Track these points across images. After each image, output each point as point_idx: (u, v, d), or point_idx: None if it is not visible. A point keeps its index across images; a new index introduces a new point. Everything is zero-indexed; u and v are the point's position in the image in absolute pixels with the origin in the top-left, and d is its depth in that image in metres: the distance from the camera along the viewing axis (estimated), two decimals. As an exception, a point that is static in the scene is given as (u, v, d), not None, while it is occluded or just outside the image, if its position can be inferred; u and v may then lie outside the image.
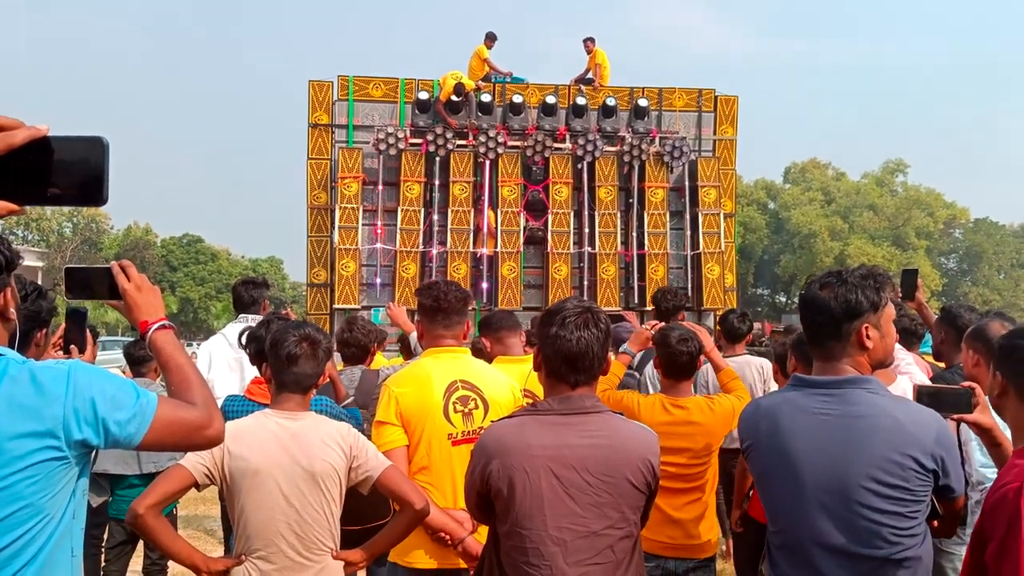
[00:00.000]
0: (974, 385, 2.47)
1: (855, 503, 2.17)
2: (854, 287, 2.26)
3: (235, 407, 3.60)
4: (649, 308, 11.90)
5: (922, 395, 2.46)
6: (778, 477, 2.31)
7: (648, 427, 2.51)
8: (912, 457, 2.16)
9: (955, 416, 2.42)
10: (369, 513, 3.47)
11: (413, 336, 4.66)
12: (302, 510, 2.60)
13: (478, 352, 3.99)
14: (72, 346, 2.83)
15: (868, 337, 2.26)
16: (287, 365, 2.72)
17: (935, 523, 2.32)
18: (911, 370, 3.92)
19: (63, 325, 2.92)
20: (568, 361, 2.30)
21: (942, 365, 4.25)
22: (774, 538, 2.38)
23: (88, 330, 2.95)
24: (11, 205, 1.04)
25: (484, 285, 11.96)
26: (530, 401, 3.67)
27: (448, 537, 3.01)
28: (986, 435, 2.47)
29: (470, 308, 3.58)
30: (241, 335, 3.60)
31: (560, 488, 2.25)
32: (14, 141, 1.00)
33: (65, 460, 1.66)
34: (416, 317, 3.44)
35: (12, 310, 1.78)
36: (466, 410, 3.16)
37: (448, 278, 11.54)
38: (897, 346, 3.83)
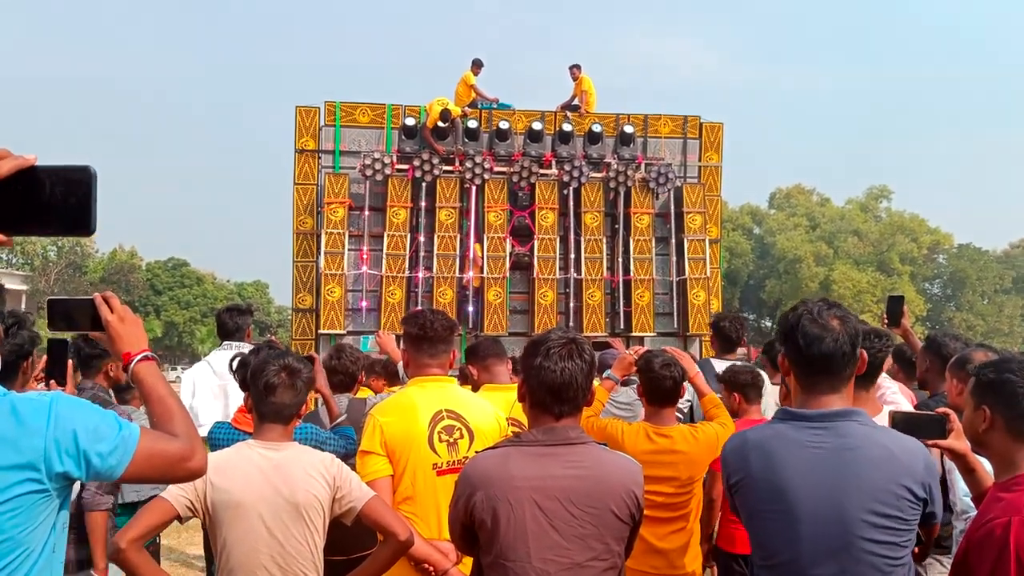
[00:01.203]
0: (948, 411, 2.49)
1: (854, 536, 2.16)
2: (851, 316, 2.32)
3: (222, 435, 3.58)
4: (653, 332, 11.99)
5: (897, 422, 2.47)
6: (772, 512, 2.28)
7: (632, 457, 2.51)
8: (906, 487, 2.17)
9: (929, 442, 2.44)
10: (353, 543, 3.44)
11: (402, 364, 4.65)
12: (285, 542, 2.57)
13: (465, 380, 3.97)
14: (53, 380, 2.81)
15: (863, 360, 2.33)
16: (265, 395, 2.71)
17: (916, 549, 2.33)
18: (896, 399, 3.93)
19: (45, 357, 2.89)
20: (552, 392, 2.31)
21: (927, 393, 4.27)
22: (764, 572, 2.34)
23: (71, 360, 2.93)
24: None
25: (470, 310, 11.95)
26: (516, 430, 3.66)
27: (432, 568, 2.99)
28: (960, 460, 2.48)
29: (456, 335, 3.57)
30: (232, 361, 3.60)
31: (544, 520, 2.25)
32: (0, 172, 0.99)
33: (46, 493, 1.64)
34: (401, 345, 3.42)
35: (-7, 343, 1.78)
36: (451, 440, 3.15)
37: (434, 303, 11.53)
38: (883, 375, 3.86)
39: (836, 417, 2.26)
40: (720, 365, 5.13)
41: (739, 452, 2.39)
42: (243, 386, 3.49)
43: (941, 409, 2.53)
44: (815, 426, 2.26)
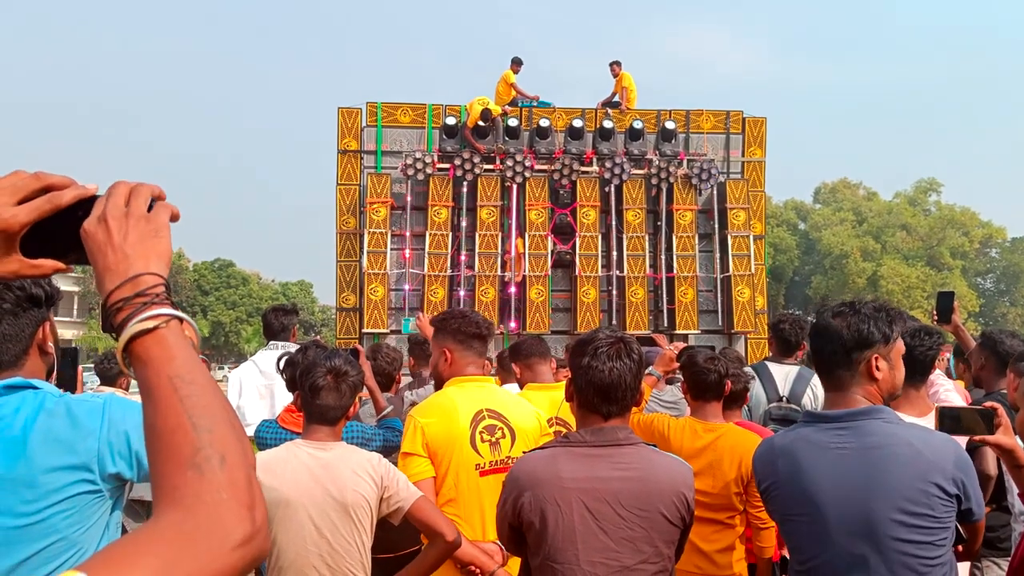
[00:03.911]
0: (996, 405, 2.43)
1: (884, 536, 2.12)
2: (867, 318, 2.26)
3: (270, 434, 3.61)
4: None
5: (944, 417, 2.43)
6: (803, 516, 2.27)
7: (681, 458, 2.48)
8: (935, 484, 2.13)
9: (977, 437, 2.39)
10: (401, 541, 3.45)
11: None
12: (334, 541, 2.59)
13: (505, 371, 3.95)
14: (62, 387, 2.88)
15: (877, 368, 2.25)
16: (311, 397, 2.73)
17: (959, 548, 2.27)
18: (950, 397, 3.84)
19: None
20: (601, 392, 2.29)
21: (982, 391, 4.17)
22: None
23: (80, 367, 3.01)
24: (58, 264, 1.06)
25: (512, 309, 11.94)
26: (561, 430, 3.64)
27: (478, 570, 2.98)
28: (1008, 456, 2.43)
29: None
30: (279, 360, 3.63)
31: (593, 521, 2.23)
32: (61, 201, 1.00)
33: (99, 493, 1.67)
34: (444, 346, 3.34)
35: (50, 344, 1.81)
36: (493, 439, 3.14)
37: (476, 302, 11.56)
38: (937, 372, 3.77)
39: (859, 416, 2.22)
40: (777, 369, 5.00)
41: (766, 458, 2.39)
42: (290, 386, 3.52)
43: (988, 403, 2.48)
44: (838, 427, 2.24)
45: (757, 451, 2.48)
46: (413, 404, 4.08)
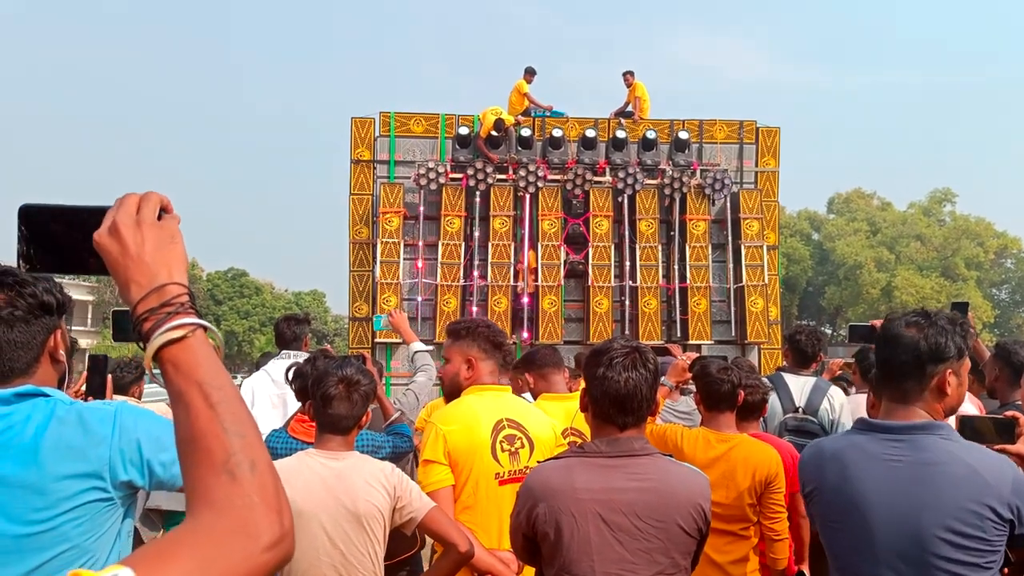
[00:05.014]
0: (1017, 414, 2.39)
1: (929, 554, 2.07)
2: (943, 330, 2.17)
3: (280, 444, 3.60)
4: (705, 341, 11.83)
5: (964, 425, 2.39)
6: (846, 524, 2.22)
7: (697, 468, 2.46)
8: (989, 507, 2.06)
9: (997, 446, 2.35)
10: (396, 548, 3.42)
11: (413, 346, 4.62)
12: (347, 551, 2.58)
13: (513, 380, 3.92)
14: (92, 395, 2.87)
15: (948, 383, 2.17)
16: (323, 406, 2.71)
17: (1006, 570, 2.23)
18: (965, 408, 3.80)
19: (85, 372, 2.97)
20: (616, 403, 2.26)
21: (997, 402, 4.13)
22: None
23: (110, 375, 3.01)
24: None
25: (524, 319, 11.92)
26: (576, 440, 3.61)
27: (495, 579, 2.96)
28: None
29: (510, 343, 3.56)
30: (288, 371, 3.62)
31: (608, 533, 2.20)
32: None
33: (111, 501, 1.66)
34: (468, 354, 3.28)
35: (62, 352, 1.80)
36: (512, 449, 3.12)
37: (489, 312, 11.55)
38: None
39: (916, 430, 2.16)
40: (793, 380, 4.96)
41: (814, 462, 2.34)
42: (299, 396, 3.51)
43: (1010, 412, 2.44)
44: (892, 438, 2.18)
45: (805, 453, 2.44)
46: (399, 412, 4.07)
